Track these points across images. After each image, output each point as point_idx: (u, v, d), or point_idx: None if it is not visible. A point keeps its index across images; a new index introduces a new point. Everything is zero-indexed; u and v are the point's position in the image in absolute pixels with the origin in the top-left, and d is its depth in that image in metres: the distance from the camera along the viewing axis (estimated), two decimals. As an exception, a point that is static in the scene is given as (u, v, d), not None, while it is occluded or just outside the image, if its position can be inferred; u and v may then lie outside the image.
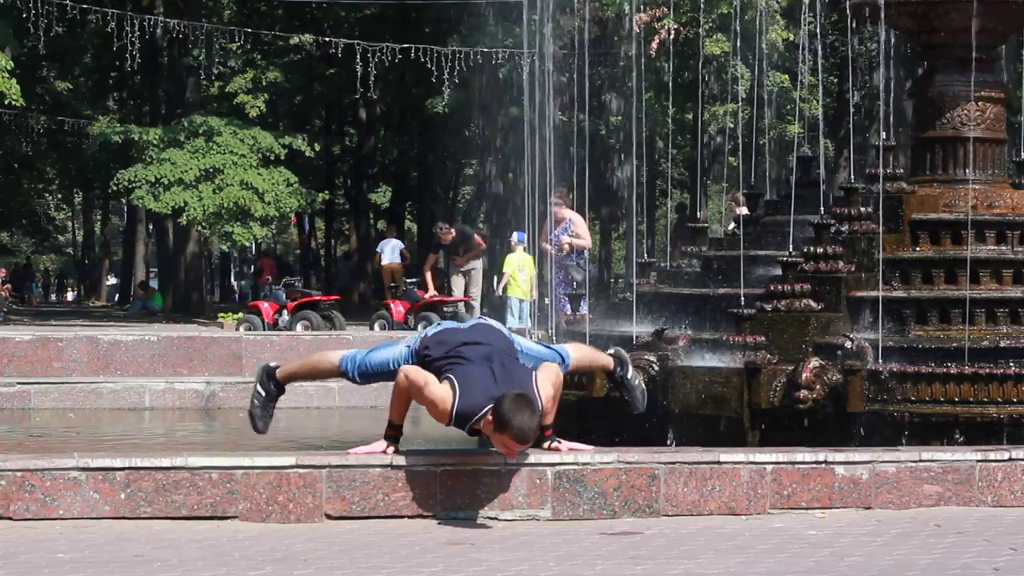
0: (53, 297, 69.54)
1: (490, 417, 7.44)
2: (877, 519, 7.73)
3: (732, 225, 15.54)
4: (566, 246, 19.64)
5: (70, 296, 72.90)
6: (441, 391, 7.59)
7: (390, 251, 32.02)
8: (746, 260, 11.36)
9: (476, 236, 26.30)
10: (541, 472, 7.68)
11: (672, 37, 27.14)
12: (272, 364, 8.60)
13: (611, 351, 8.62)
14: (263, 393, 8.40)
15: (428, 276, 26.66)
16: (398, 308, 26.17)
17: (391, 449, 7.75)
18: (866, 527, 7.51)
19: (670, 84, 24.25)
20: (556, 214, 19.71)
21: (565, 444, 7.87)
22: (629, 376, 8.49)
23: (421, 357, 7.84)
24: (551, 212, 18.07)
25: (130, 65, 34.23)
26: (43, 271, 75.86)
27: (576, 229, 20.59)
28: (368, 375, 8.17)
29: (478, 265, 25.93)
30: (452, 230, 26.45)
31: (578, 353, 8.43)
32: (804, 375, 9.52)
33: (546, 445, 7.83)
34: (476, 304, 24.83)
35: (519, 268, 22.18)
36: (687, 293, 12.09)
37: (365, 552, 6.84)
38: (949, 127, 11.73)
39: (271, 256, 53.12)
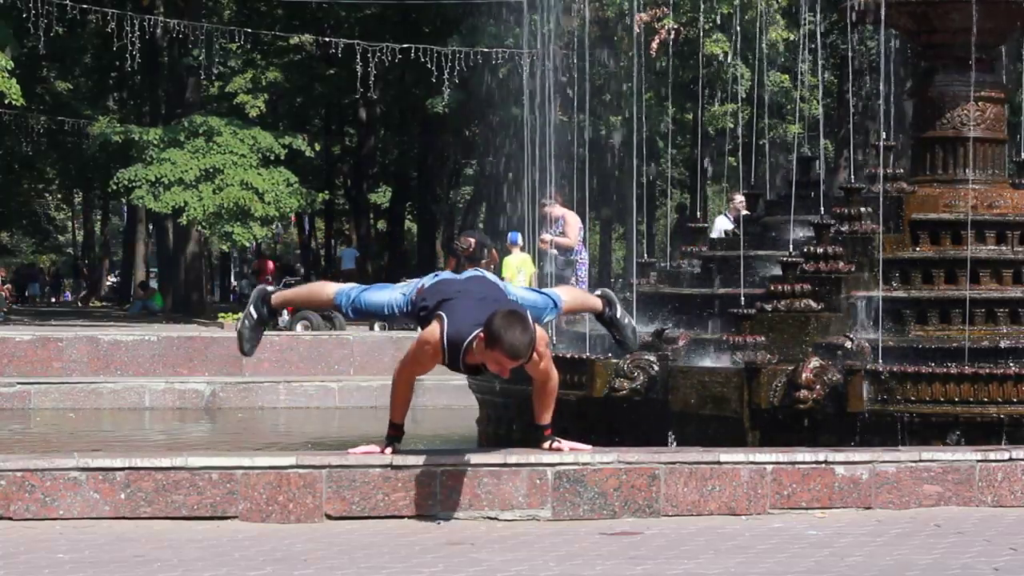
0: (52, 299, 69.52)
1: (482, 335, 7.33)
2: (877, 519, 7.73)
3: (732, 225, 15.53)
4: (546, 245, 19.62)
5: (69, 296, 72.88)
6: (430, 328, 7.52)
7: (348, 258, 32.24)
8: (745, 260, 11.37)
9: (494, 251, 25.99)
10: (541, 472, 7.68)
11: (672, 37, 27.13)
12: (269, 288, 8.55)
13: (599, 292, 8.57)
14: (255, 315, 8.31)
15: None
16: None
17: (389, 449, 7.75)
18: (866, 527, 7.50)
19: (670, 84, 24.24)
20: (550, 213, 19.68)
21: (566, 444, 7.87)
22: (619, 315, 8.44)
23: (416, 306, 7.80)
24: (539, 211, 18.04)
25: (130, 65, 34.21)
26: (50, 270, 75.87)
27: (565, 228, 20.57)
28: (361, 312, 8.11)
29: None
30: (472, 241, 25.94)
31: (568, 296, 8.39)
32: (804, 375, 9.53)
33: (546, 445, 7.83)
34: None
35: (518, 270, 22.15)
36: (687, 293, 12.10)
37: (365, 552, 6.84)
38: (949, 127, 11.74)
39: (270, 257, 53.12)
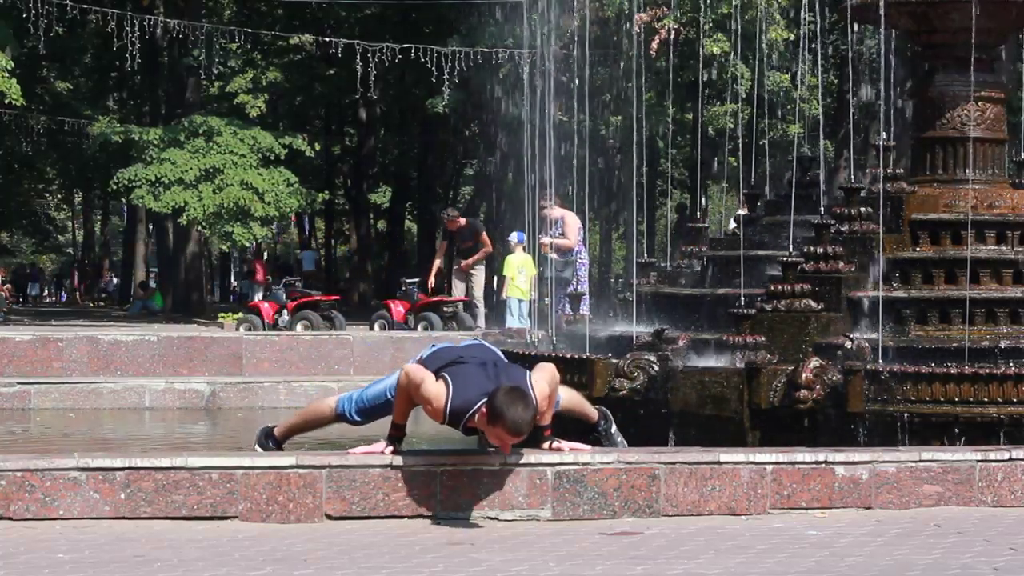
0: (51, 299, 69.54)
1: (484, 410, 7.47)
2: (877, 519, 7.73)
3: (732, 225, 15.54)
4: (546, 247, 19.62)
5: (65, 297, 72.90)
6: (436, 388, 7.62)
7: (308, 260, 32.48)
8: (746, 260, 11.38)
9: (484, 235, 25.84)
10: (541, 472, 7.69)
11: (672, 37, 27.12)
12: (269, 425, 8.62)
13: (599, 408, 8.69)
14: (263, 452, 8.39)
15: (437, 263, 26.05)
16: (398, 308, 26.10)
17: (390, 449, 7.75)
18: (866, 527, 7.51)
19: (670, 84, 24.24)
20: (548, 215, 19.68)
21: (566, 444, 7.88)
22: (613, 430, 8.58)
23: None
24: (539, 212, 18.03)
25: (130, 65, 34.22)
26: (53, 272, 75.93)
27: (564, 229, 20.56)
28: (367, 411, 8.19)
29: (480, 266, 25.75)
30: (461, 219, 25.80)
31: (568, 395, 8.45)
32: (804, 375, 9.52)
33: (546, 445, 7.84)
34: (480, 303, 24.66)
35: (519, 269, 22.15)
36: (687, 293, 12.10)
37: (365, 552, 6.84)
38: (949, 127, 11.73)
39: (261, 257, 53.10)
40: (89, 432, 15.10)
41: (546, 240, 19.70)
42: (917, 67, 12.31)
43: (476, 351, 7.98)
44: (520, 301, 21.93)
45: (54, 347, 17.83)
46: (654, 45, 28.16)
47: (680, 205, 44.90)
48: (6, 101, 31.07)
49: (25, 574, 6.31)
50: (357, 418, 8.23)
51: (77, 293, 62.35)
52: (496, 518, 7.62)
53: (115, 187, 34.77)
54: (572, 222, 20.71)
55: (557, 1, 16.11)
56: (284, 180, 33.96)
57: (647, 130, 28.76)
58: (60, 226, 76.06)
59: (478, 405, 7.52)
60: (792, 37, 28.59)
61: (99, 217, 68.64)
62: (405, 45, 32.28)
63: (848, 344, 9.92)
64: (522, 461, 7.69)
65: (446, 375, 7.64)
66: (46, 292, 68.76)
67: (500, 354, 8.14)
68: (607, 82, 32.60)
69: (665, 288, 12.52)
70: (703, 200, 40.32)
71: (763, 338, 10.17)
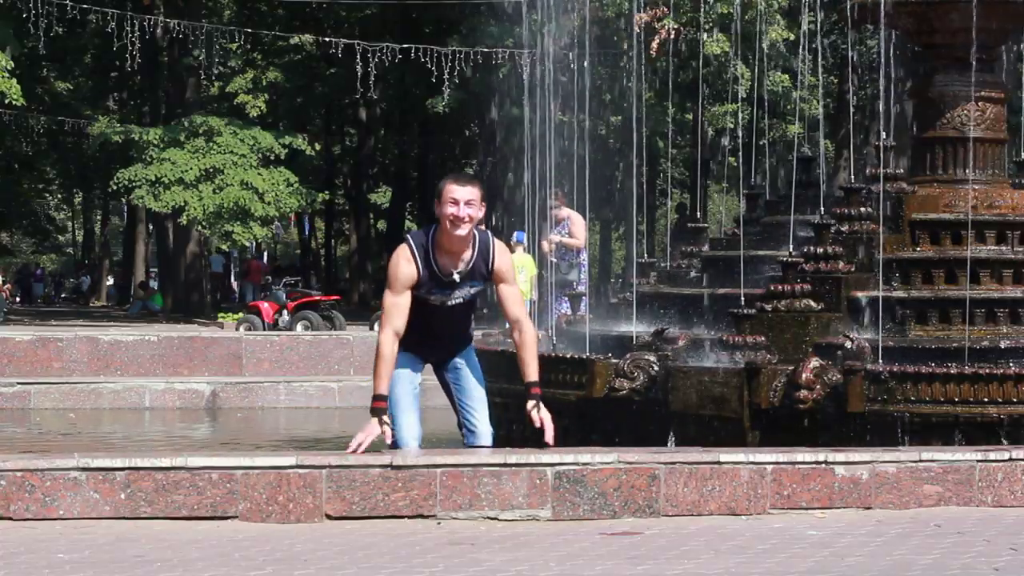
0: (59, 299, 69.56)
1: (436, 204, 7.78)
2: (877, 519, 7.72)
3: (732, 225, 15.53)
4: (553, 244, 19.60)
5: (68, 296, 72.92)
6: (395, 257, 7.85)
7: (216, 263, 32.53)
8: (746, 260, 11.37)
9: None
10: (541, 472, 7.68)
11: (672, 37, 27.13)
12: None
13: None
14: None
15: None
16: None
17: (386, 427, 7.72)
18: (866, 527, 7.50)
19: (670, 84, 24.26)
20: (556, 215, 19.65)
21: (546, 417, 7.78)
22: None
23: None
24: (551, 212, 18.02)
25: (130, 65, 34.25)
26: (52, 272, 75.91)
27: (572, 228, 20.54)
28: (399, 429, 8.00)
29: None
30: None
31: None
32: (804, 375, 9.52)
33: (531, 404, 7.81)
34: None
35: (519, 269, 22.12)
36: (687, 293, 12.10)
37: (365, 552, 6.84)
38: (949, 127, 11.73)
39: (260, 257, 53.16)
40: (89, 432, 15.11)
41: (555, 238, 19.68)
42: (917, 67, 12.31)
43: None
44: (520, 301, 21.88)
45: (54, 347, 17.84)
46: (654, 45, 28.17)
47: (680, 205, 44.92)
48: (6, 101, 31.11)
49: (25, 574, 6.31)
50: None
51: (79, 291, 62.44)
52: (496, 518, 7.62)
53: (115, 187, 34.79)
54: (579, 222, 20.71)
55: (557, 1, 16.10)
56: (284, 180, 33.98)
57: (647, 130, 28.75)
58: (60, 226, 76.02)
59: (431, 227, 7.78)
60: (792, 37, 28.59)
61: (99, 217, 68.63)
62: (405, 45, 32.30)
63: (848, 344, 9.92)
64: (522, 461, 7.69)
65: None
66: (55, 290, 68.76)
67: None
68: (607, 82, 32.61)
69: (665, 288, 12.52)
70: (703, 200, 40.30)
71: (763, 338, 10.16)
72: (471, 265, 7.82)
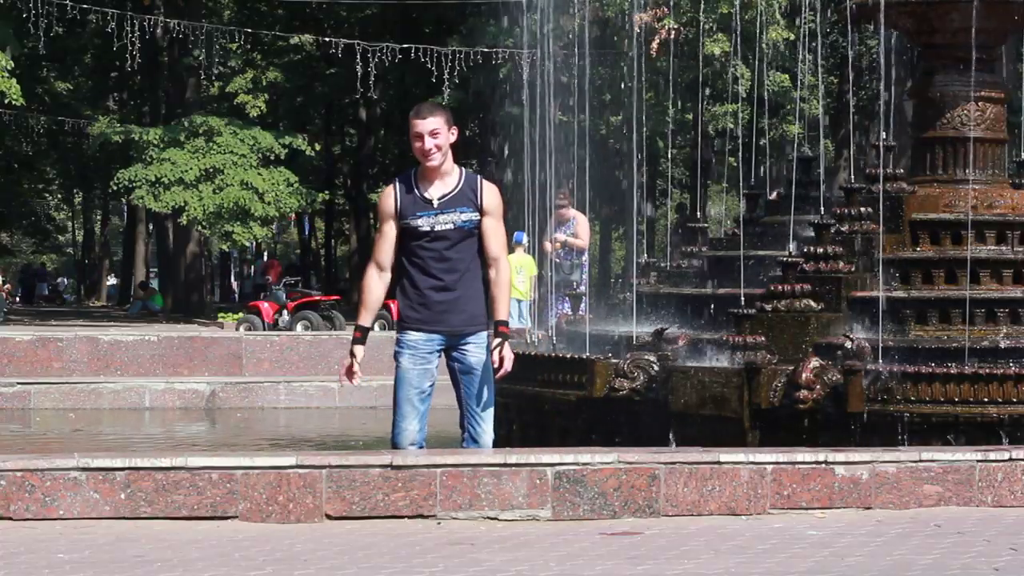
0: (61, 299, 69.59)
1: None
2: (877, 519, 7.73)
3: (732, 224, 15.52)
4: (558, 244, 19.58)
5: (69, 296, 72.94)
6: (383, 193, 8.15)
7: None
8: (746, 260, 11.37)
9: None
10: (541, 472, 7.69)
11: (672, 37, 27.13)
12: None
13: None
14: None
15: None
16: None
17: (353, 360, 8.04)
18: (866, 527, 7.50)
19: (670, 84, 24.26)
20: (562, 215, 19.63)
21: (507, 354, 7.86)
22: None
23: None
24: (554, 212, 18.01)
25: (130, 65, 34.26)
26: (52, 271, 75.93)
27: (577, 229, 20.53)
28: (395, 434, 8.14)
29: None
30: None
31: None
32: (804, 375, 9.53)
33: (496, 342, 7.90)
34: None
35: (518, 269, 22.12)
36: (687, 293, 12.10)
37: (365, 552, 6.84)
38: (949, 127, 11.73)
39: (275, 257, 53.21)
40: (89, 432, 15.11)
41: (561, 237, 19.66)
42: (917, 67, 12.31)
43: None
44: (519, 301, 21.91)
45: (54, 347, 17.85)
46: (654, 45, 28.17)
47: (680, 205, 44.92)
48: (6, 101, 31.10)
49: (25, 574, 6.31)
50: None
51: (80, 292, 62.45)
52: (496, 518, 7.62)
53: (115, 187, 34.80)
54: (584, 223, 20.72)
55: (557, 1, 16.10)
56: (284, 180, 33.99)
57: (647, 130, 28.75)
58: (60, 226, 76.03)
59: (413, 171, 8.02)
60: (792, 37, 28.59)
61: (99, 217, 68.64)
62: (405, 45, 32.30)
63: (848, 344, 9.92)
64: (522, 461, 7.69)
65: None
66: (57, 290, 68.78)
67: None
68: (607, 82, 32.59)
69: (665, 288, 12.52)
70: (703, 200, 40.32)
71: (763, 338, 10.16)
72: (457, 189, 8.00)
